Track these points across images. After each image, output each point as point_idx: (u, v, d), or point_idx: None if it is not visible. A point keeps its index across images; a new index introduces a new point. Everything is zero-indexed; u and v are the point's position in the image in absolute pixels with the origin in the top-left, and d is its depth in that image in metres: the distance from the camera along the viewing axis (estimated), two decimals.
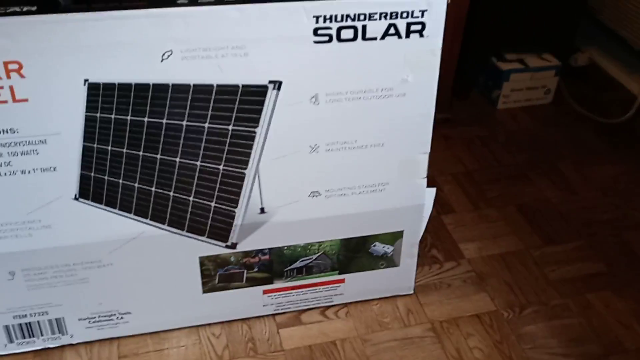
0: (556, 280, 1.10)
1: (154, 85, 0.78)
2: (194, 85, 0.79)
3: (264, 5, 0.76)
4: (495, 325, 1.01)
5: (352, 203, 0.92)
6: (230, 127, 0.82)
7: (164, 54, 0.76)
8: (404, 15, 0.80)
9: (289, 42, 0.78)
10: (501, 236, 1.18)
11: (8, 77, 0.73)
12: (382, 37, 0.81)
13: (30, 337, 0.93)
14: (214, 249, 0.91)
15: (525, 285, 1.09)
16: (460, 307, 1.04)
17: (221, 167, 0.84)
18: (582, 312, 1.04)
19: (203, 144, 0.83)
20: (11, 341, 0.93)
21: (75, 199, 0.83)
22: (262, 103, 0.81)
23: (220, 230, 0.89)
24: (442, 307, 1.04)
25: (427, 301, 1.05)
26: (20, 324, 0.91)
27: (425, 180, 0.94)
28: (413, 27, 0.81)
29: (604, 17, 1.58)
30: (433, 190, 0.97)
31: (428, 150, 0.91)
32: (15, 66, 0.73)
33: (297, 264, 0.97)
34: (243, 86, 0.80)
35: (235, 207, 0.87)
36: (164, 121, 0.81)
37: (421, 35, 0.82)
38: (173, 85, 0.78)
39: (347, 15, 0.79)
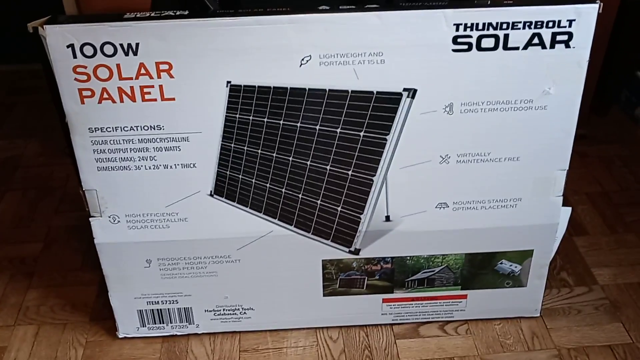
0: None
1: (291, 89, 0.80)
2: (330, 90, 0.80)
3: (405, 12, 0.76)
4: (630, 359, 0.94)
5: (481, 217, 0.89)
6: (362, 133, 0.82)
7: (303, 59, 0.77)
8: (550, 24, 0.77)
9: (426, 49, 0.77)
10: None
11: (159, 77, 0.78)
12: (525, 47, 0.78)
13: (160, 323, 0.98)
14: (337, 253, 0.92)
15: None
16: (590, 336, 0.98)
17: (350, 172, 0.85)
18: None
19: (334, 149, 0.84)
20: (143, 325, 0.98)
21: (211, 195, 0.87)
22: (395, 110, 0.81)
23: (345, 235, 0.89)
24: (570, 333, 0.98)
25: (554, 326, 0.99)
26: (152, 310, 0.97)
27: (561, 198, 0.89)
28: (559, 38, 0.77)
29: None
30: (568, 209, 0.92)
31: (566, 167, 0.86)
32: (166, 67, 0.77)
33: (419, 275, 0.96)
34: (377, 93, 0.80)
35: (361, 213, 0.87)
36: (299, 124, 0.83)
37: (567, 46, 0.78)
38: (309, 89, 0.80)
39: (489, 24, 0.76)
